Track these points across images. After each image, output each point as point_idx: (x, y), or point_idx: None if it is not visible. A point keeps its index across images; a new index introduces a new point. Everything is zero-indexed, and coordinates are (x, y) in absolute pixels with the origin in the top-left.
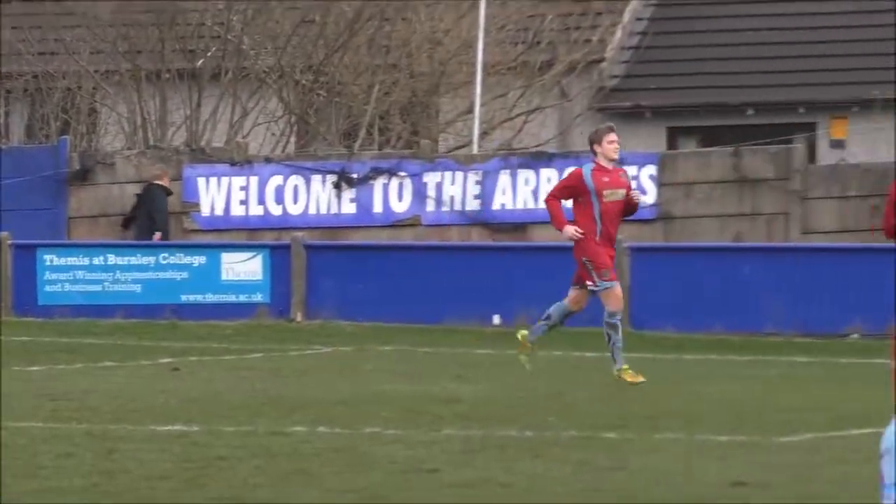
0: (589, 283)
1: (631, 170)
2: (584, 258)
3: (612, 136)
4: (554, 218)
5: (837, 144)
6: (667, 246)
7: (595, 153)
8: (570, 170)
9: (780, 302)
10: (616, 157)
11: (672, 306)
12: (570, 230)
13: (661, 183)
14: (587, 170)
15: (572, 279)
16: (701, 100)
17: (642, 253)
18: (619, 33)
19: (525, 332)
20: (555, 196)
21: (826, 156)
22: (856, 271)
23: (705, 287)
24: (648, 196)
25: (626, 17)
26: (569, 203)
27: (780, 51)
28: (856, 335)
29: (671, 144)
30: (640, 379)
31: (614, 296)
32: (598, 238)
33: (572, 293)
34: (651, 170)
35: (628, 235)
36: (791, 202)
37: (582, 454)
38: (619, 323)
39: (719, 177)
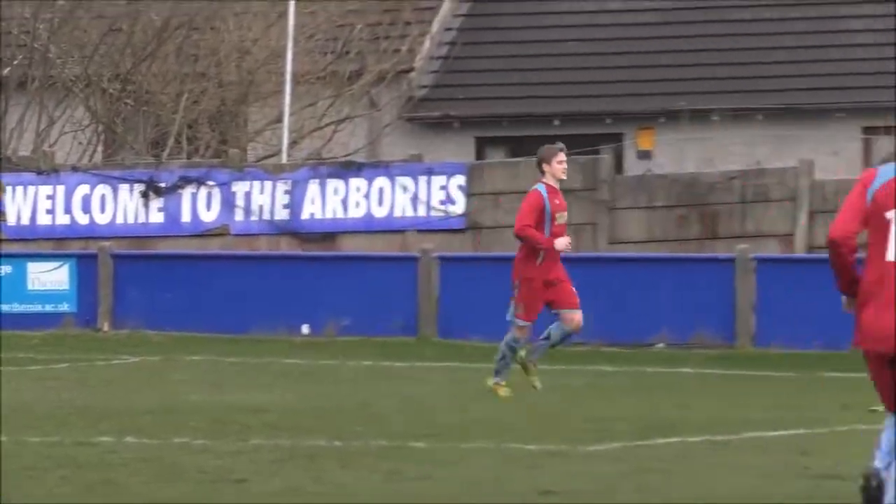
0: (511, 307)
1: (439, 180)
2: (517, 280)
3: (562, 157)
4: (537, 242)
5: (644, 155)
6: (476, 256)
7: (543, 172)
8: (382, 179)
9: (586, 311)
10: (564, 177)
11: (481, 315)
12: (562, 241)
13: (469, 193)
14: (543, 191)
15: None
16: (509, 110)
17: (451, 263)
18: (427, 43)
19: (491, 380)
20: (528, 224)
21: (633, 166)
22: (662, 281)
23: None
24: (458, 206)
25: (435, 27)
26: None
27: (587, 62)
28: (661, 345)
29: (479, 154)
30: (509, 394)
31: (522, 332)
32: (539, 261)
33: (563, 316)
34: (460, 180)
35: (437, 245)
36: (598, 212)
37: (391, 464)
38: (517, 348)
39: (527, 187)
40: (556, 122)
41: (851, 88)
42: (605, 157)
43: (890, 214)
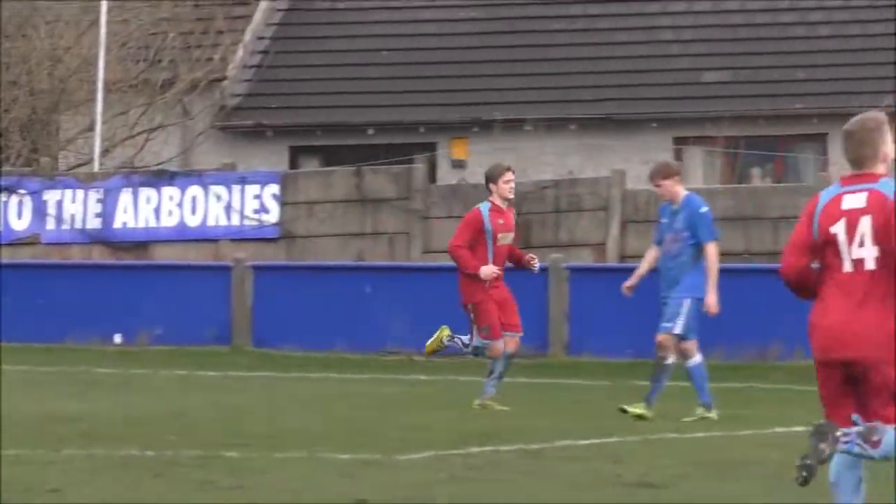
0: (475, 330)
1: (253, 189)
2: (470, 304)
3: (509, 176)
4: (465, 265)
5: (458, 164)
6: (289, 265)
7: (490, 191)
8: (195, 188)
9: (401, 321)
10: (512, 196)
11: (295, 325)
12: (489, 269)
13: (283, 202)
14: (485, 210)
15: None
16: (323, 119)
17: (265, 272)
18: (240, 52)
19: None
20: (460, 245)
21: (447, 176)
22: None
23: (328, 306)
24: (271, 215)
25: (248, 35)
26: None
27: (401, 71)
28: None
29: (293, 164)
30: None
31: (495, 350)
32: (487, 284)
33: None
34: (273, 189)
35: (251, 254)
36: (412, 221)
37: (204, 473)
38: (503, 370)
39: (341, 196)
40: (371, 132)
41: (663, 99)
42: (419, 166)
43: (834, 229)
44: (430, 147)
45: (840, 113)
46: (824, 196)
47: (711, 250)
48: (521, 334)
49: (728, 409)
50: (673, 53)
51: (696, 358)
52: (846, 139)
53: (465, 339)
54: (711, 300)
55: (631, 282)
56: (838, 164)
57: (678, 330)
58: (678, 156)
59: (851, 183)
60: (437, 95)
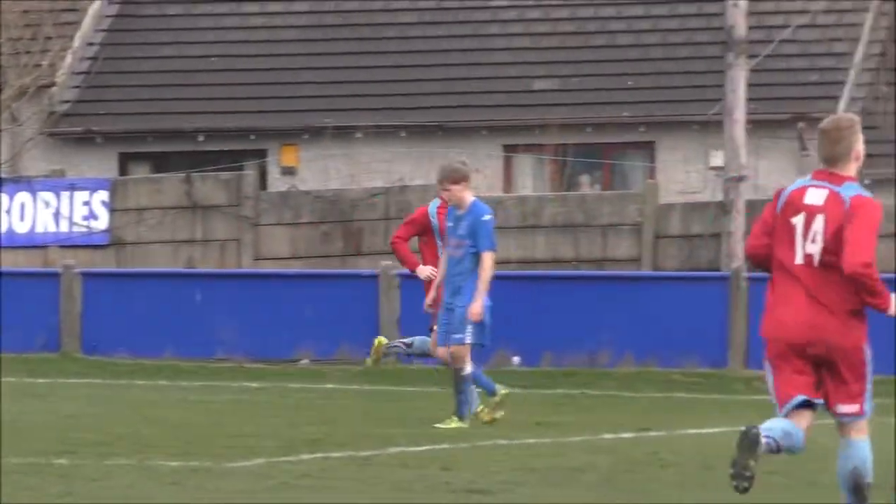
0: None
1: (82, 195)
2: (433, 309)
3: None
4: (403, 261)
5: (288, 171)
6: (119, 272)
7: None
8: (24, 195)
9: (231, 328)
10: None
11: (125, 332)
12: (426, 271)
13: (112, 209)
14: (433, 207)
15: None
16: (153, 126)
17: (94, 278)
18: (69, 58)
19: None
20: (400, 237)
21: (277, 182)
22: (306, 297)
23: (158, 313)
24: (101, 222)
25: (77, 42)
26: None
27: (230, 78)
28: (306, 360)
29: (123, 170)
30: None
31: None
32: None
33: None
34: (103, 195)
35: (80, 262)
36: (243, 228)
37: (33, 480)
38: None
39: (172, 203)
40: (201, 138)
41: (493, 106)
42: (250, 173)
43: (795, 220)
44: (261, 154)
45: (667, 121)
46: (793, 185)
47: (487, 260)
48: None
49: (558, 416)
50: (503, 61)
51: (469, 367)
52: (821, 137)
53: (407, 340)
54: (476, 308)
55: (430, 296)
56: (665, 171)
57: (470, 339)
58: (508, 163)
59: (820, 179)
60: (268, 102)
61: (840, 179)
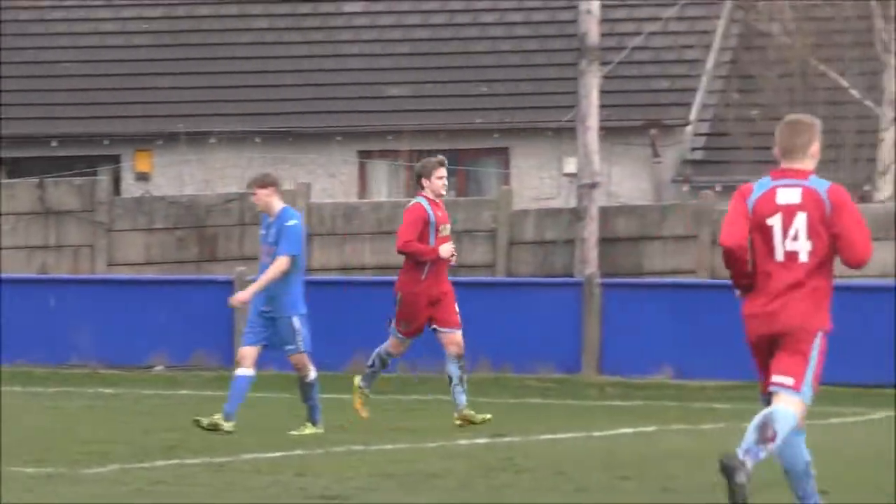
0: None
1: None
2: (399, 294)
3: (442, 171)
4: (421, 254)
5: (142, 177)
6: None
7: (422, 187)
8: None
9: (85, 334)
10: (444, 192)
11: (43, 338)
12: (446, 247)
13: None
14: (425, 203)
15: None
16: (5, 131)
17: None
18: None
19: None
20: (410, 239)
21: (131, 188)
22: (160, 303)
23: (11, 319)
24: None
25: None
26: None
27: (83, 83)
28: (160, 367)
29: None
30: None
31: (399, 346)
32: (424, 276)
33: (441, 336)
34: None
35: None
36: (96, 234)
37: None
38: (386, 360)
39: (25, 208)
40: (54, 144)
41: (347, 112)
42: (103, 178)
43: (771, 221)
44: (115, 159)
45: (520, 128)
46: (758, 187)
47: (281, 262)
48: (459, 330)
49: (413, 421)
50: (357, 67)
51: (247, 371)
52: (783, 128)
53: (373, 364)
54: (242, 296)
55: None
56: (519, 177)
57: (305, 347)
58: (363, 169)
59: (783, 177)
60: (121, 107)
61: (804, 174)
